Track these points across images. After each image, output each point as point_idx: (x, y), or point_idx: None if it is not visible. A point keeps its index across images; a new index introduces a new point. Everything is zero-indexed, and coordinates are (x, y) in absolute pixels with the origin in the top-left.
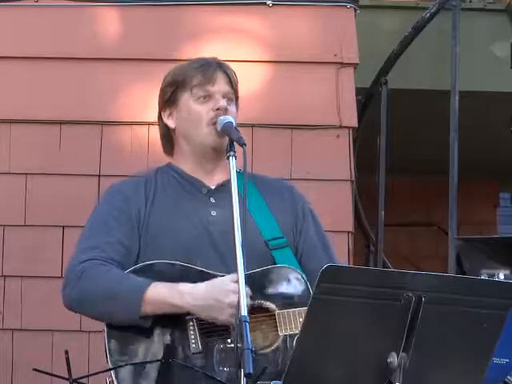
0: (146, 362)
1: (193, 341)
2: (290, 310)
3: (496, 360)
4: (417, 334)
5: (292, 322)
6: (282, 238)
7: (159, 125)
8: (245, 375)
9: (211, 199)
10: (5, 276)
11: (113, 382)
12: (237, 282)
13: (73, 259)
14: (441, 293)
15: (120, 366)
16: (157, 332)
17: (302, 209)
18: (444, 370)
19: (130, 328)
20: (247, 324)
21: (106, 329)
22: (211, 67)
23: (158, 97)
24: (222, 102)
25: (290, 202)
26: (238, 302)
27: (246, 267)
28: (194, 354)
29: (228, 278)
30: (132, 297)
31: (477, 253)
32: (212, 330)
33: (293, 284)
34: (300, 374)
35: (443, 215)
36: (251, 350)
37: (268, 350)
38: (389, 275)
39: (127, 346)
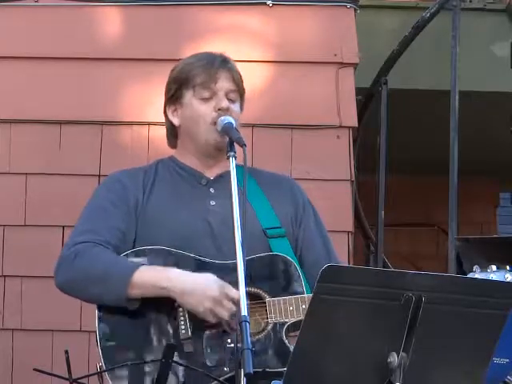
0: (144, 362)
1: (182, 327)
2: (281, 298)
3: (496, 360)
4: (417, 333)
5: (282, 311)
6: (280, 228)
7: (165, 119)
8: (245, 375)
9: (211, 189)
10: (5, 276)
11: (102, 366)
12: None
13: (68, 241)
14: (441, 293)
15: (119, 366)
16: (147, 317)
17: (303, 201)
18: (444, 370)
19: (120, 312)
20: (247, 324)
21: (97, 312)
22: (215, 65)
23: (162, 92)
24: (225, 103)
25: (289, 194)
26: (238, 302)
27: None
28: (183, 339)
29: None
30: (120, 279)
31: (477, 253)
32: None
33: (285, 272)
34: (300, 374)
35: (443, 215)
36: (251, 350)
37: (257, 337)
38: (389, 275)
39: (117, 330)
